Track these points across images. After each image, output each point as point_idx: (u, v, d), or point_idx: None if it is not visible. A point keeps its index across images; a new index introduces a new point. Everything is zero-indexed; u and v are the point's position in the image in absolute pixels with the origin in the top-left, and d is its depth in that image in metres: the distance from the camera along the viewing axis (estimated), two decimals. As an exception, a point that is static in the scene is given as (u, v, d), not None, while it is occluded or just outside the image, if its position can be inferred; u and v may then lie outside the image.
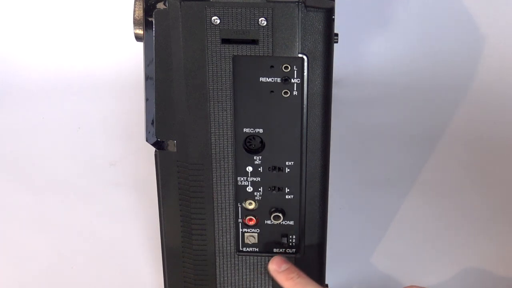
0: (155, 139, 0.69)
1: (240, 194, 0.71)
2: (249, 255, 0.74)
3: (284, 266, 0.71)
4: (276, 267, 0.71)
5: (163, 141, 0.69)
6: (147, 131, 0.69)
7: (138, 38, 0.67)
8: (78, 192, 0.99)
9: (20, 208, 0.97)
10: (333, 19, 0.64)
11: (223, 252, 0.74)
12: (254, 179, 0.70)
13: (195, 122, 0.68)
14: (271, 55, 0.65)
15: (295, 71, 0.66)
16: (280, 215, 0.71)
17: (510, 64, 1.21)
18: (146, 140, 0.69)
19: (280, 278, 0.71)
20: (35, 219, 0.95)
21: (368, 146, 1.07)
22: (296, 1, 0.63)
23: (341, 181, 0.98)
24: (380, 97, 1.17)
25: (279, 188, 0.71)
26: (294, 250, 0.73)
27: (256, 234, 0.73)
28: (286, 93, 0.66)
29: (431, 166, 1.03)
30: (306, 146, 0.69)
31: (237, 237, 0.73)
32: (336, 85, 0.82)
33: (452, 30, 1.23)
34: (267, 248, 0.73)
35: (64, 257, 0.89)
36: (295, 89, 0.66)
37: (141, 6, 0.66)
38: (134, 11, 0.67)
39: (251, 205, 0.71)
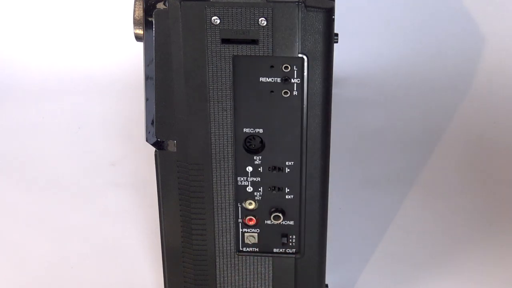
0: (155, 139, 0.69)
1: (240, 194, 0.71)
2: (249, 255, 0.74)
3: None
4: None
5: (163, 141, 0.69)
6: (147, 131, 0.69)
7: (138, 38, 0.67)
8: (78, 192, 0.99)
9: (20, 208, 0.97)
10: (333, 19, 0.64)
11: (223, 252, 0.74)
12: (254, 179, 0.70)
13: (195, 122, 0.68)
14: (271, 55, 0.65)
15: (295, 71, 0.66)
16: (280, 215, 0.71)
17: (510, 64, 1.21)
18: (146, 140, 0.69)
19: None
20: (35, 219, 0.95)
21: (368, 146, 1.07)
22: (296, 1, 0.63)
23: (341, 181, 0.98)
24: (379, 97, 1.17)
25: (279, 188, 0.71)
26: (294, 250, 0.73)
27: (256, 234, 0.73)
28: (286, 93, 0.66)
29: (431, 166, 1.03)
30: (306, 146, 0.69)
31: (237, 237, 0.73)
32: (336, 85, 0.82)
33: (452, 30, 1.23)
34: (267, 248, 0.73)
35: (64, 257, 0.89)
36: (295, 89, 0.66)
37: (141, 6, 0.66)
38: (134, 11, 0.67)
39: (251, 205, 0.71)
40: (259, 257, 0.74)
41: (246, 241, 0.73)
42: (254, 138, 0.69)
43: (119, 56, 1.21)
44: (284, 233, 0.73)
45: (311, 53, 0.65)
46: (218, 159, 0.69)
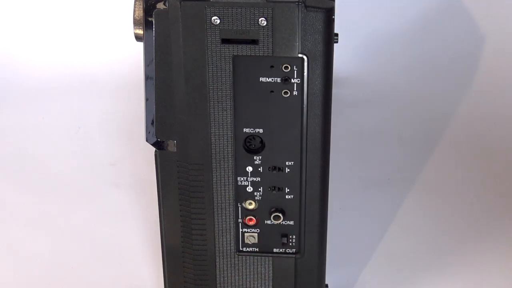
0: (155, 139, 0.69)
1: (240, 194, 0.71)
2: (249, 255, 0.74)
3: None
4: None
5: (163, 141, 0.69)
6: (147, 131, 0.69)
7: (138, 38, 0.67)
8: (78, 192, 0.99)
9: (20, 208, 0.97)
10: (333, 19, 0.64)
11: (223, 252, 0.74)
12: (254, 179, 0.70)
13: (195, 122, 0.68)
14: (271, 55, 0.65)
15: (295, 71, 0.66)
16: (280, 215, 0.71)
17: (510, 64, 1.21)
18: (146, 140, 0.69)
19: None
20: (35, 219, 0.95)
21: (368, 146, 1.07)
22: (296, 1, 0.63)
23: (341, 181, 0.98)
24: (380, 97, 1.17)
25: (279, 188, 0.71)
26: (294, 250, 0.73)
27: (256, 234, 0.73)
28: (286, 93, 0.66)
29: (431, 166, 1.03)
30: (306, 146, 0.69)
31: (237, 237, 0.73)
32: (336, 85, 0.82)
33: (452, 30, 1.23)
34: (267, 248, 0.73)
35: (64, 257, 0.89)
36: (295, 89, 0.66)
37: (141, 6, 0.66)
38: (134, 11, 0.67)
39: (251, 205, 0.71)
40: (259, 257, 0.74)
41: (246, 241, 0.73)
42: (254, 138, 0.69)
43: (119, 56, 1.21)
44: (284, 233, 0.73)
45: (311, 53, 0.65)
46: (218, 159, 0.69)
